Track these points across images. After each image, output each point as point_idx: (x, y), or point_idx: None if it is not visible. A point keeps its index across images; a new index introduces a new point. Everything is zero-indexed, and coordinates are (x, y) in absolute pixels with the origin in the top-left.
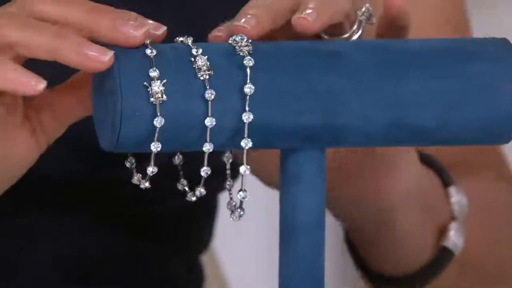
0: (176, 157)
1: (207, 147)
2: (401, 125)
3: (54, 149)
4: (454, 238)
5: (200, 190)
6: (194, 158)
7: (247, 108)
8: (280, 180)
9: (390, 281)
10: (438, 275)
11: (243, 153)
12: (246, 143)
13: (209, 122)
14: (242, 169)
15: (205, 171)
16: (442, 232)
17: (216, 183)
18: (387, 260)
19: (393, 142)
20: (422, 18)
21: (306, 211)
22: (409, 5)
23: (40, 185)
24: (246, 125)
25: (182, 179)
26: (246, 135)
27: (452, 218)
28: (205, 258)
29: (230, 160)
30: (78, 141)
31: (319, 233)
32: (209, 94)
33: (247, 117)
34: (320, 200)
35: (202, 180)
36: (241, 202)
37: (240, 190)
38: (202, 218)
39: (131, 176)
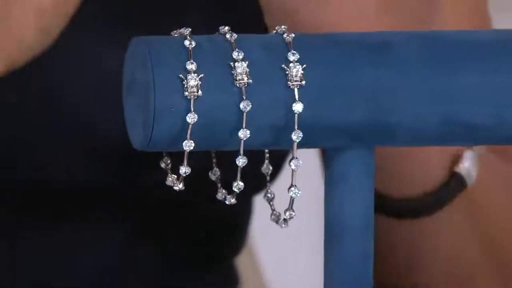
0: (213, 172)
1: (241, 161)
2: (455, 123)
3: (71, 157)
4: (469, 166)
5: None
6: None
7: (296, 97)
8: (325, 180)
9: (393, 207)
10: (447, 203)
11: None
12: (297, 136)
13: (243, 133)
14: (294, 163)
15: (238, 186)
16: (456, 160)
17: (252, 186)
18: (392, 178)
19: (446, 141)
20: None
21: (353, 214)
22: (436, 16)
23: (59, 195)
24: (296, 116)
25: (221, 189)
26: (296, 126)
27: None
28: (243, 261)
29: (270, 172)
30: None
31: (367, 237)
32: (245, 105)
33: (297, 107)
34: (368, 202)
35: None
36: (292, 201)
37: (291, 187)
38: (235, 222)
39: (163, 178)
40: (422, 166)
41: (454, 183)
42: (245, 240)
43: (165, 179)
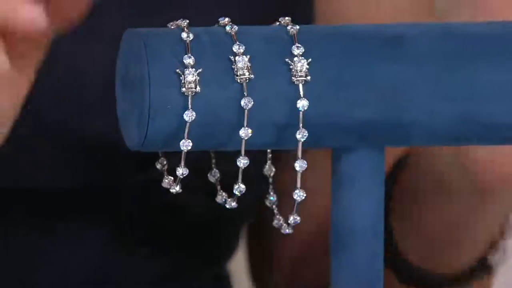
0: (212, 172)
1: (242, 161)
2: (474, 121)
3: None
4: (500, 256)
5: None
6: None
7: (301, 93)
8: (332, 182)
9: (426, 279)
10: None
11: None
12: (302, 135)
13: (244, 132)
14: (299, 164)
15: (239, 189)
16: (490, 245)
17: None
18: (435, 254)
19: (463, 141)
20: None
21: (361, 218)
22: None
23: (57, 197)
24: (301, 114)
25: (221, 191)
26: (301, 125)
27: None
28: (236, 265)
29: (273, 173)
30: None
31: (376, 242)
32: (246, 102)
33: (301, 104)
34: (377, 206)
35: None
36: (297, 205)
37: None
38: (231, 224)
39: (159, 180)
40: (459, 247)
41: (482, 268)
42: (238, 243)
43: (158, 180)
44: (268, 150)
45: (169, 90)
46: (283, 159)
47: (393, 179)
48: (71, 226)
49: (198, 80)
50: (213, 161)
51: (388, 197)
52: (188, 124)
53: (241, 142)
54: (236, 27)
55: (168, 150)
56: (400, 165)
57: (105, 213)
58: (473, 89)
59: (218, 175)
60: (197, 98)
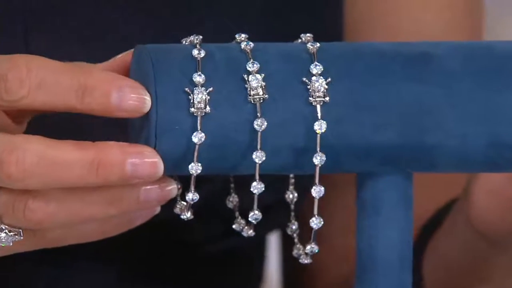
0: (231, 198)
1: (257, 187)
2: (504, 145)
3: None
4: None
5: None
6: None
7: (319, 115)
8: (357, 209)
9: None
10: None
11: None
12: (320, 160)
13: (257, 157)
14: (316, 190)
15: (254, 216)
16: None
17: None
18: None
19: (493, 167)
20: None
21: (387, 249)
22: None
23: None
24: (319, 137)
25: (239, 218)
26: (318, 148)
27: None
28: None
29: (295, 200)
30: None
31: (404, 275)
32: (259, 123)
33: (319, 125)
34: (405, 235)
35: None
36: (314, 234)
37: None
38: (249, 261)
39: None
40: None
41: None
42: (260, 279)
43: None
44: (291, 175)
45: (177, 110)
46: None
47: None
48: (85, 261)
49: (208, 99)
50: (232, 185)
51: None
52: (197, 146)
53: (255, 166)
54: (252, 44)
55: (178, 173)
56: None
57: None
58: (504, 111)
59: (237, 200)
60: (207, 118)
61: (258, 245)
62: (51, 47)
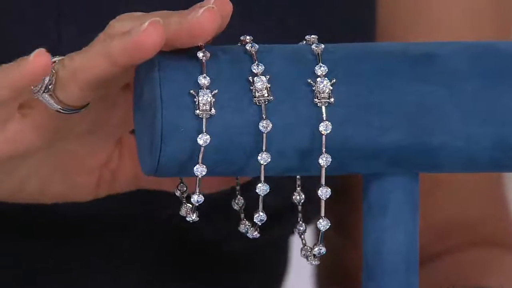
0: (237, 200)
1: (262, 188)
2: (509, 146)
3: None
4: None
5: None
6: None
7: (324, 116)
8: (363, 211)
9: None
10: None
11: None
12: (326, 161)
13: (262, 159)
14: (322, 191)
15: (259, 217)
16: None
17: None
18: None
19: (499, 167)
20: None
21: (394, 251)
22: None
23: (93, 232)
24: (324, 138)
25: (244, 220)
26: (324, 149)
27: None
28: None
29: (302, 201)
30: None
31: (411, 277)
32: (264, 125)
33: (324, 127)
34: (411, 237)
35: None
36: (321, 235)
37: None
38: (268, 264)
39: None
40: None
41: None
42: (281, 283)
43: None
44: (298, 177)
45: (183, 112)
46: None
47: None
48: (104, 261)
49: (214, 101)
50: (237, 187)
51: None
52: (202, 148)
53: (260, 168)
54: (256, 46)
55: (184, 175)
56: None
57: (137, 248)
58: (510, 112)
59: (243, 202)
60: (212, 121)
61: (280, 246)
62: (83, 37)
